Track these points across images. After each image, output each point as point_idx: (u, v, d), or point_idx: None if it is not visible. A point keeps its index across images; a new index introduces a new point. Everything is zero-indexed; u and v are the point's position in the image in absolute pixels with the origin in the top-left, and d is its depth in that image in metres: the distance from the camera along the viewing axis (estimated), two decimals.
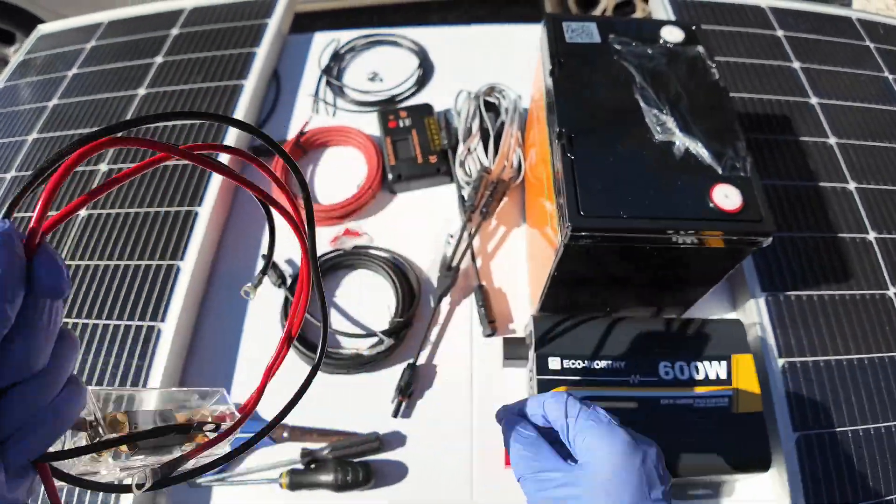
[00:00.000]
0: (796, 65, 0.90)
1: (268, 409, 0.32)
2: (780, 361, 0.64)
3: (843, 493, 0.59)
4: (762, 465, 0.59)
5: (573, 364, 0.60)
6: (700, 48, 0.64)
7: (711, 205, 0.53)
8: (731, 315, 0.71)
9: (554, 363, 0.60)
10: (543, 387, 0.59)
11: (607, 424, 0.40)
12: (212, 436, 0.34)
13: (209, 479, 0.62)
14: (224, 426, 0.35)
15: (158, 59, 0.98)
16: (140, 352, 0.69)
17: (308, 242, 0.35)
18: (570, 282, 0.60)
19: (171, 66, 0.96)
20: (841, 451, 0.61)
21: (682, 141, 0.57)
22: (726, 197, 0.53)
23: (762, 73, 0.89)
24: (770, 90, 0.86)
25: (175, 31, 1.01)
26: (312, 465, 0.61)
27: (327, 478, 0.60)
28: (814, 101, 0.86)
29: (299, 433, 0.65)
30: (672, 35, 0.65)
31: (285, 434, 0.65)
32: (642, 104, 0.59)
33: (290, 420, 0.66)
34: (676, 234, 0.52)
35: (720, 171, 0.55)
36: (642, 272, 0.60)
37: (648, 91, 0.60)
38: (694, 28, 0.66)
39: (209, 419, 0.38)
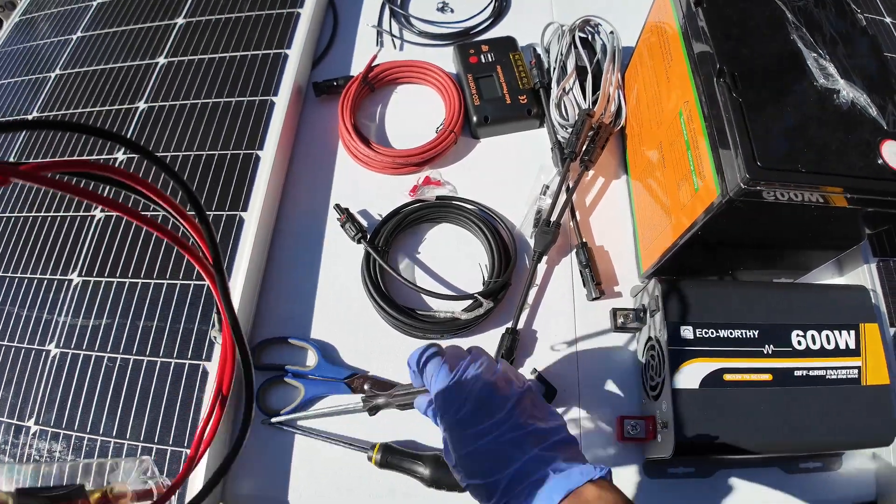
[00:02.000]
0: None
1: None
2: (893, 330, 0.61)
3: None
4: (886, 440, 0.56)
5: (706, 333, 0.56)
6: None
7: (881, 161, 0.48)
8: (839, 280, 0.67)
9: (686, 332, 0.56)
10: (675, 358, 0.54)
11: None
12: None
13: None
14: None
15: None
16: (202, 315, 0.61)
17: (219, 285, 0.32)
18: (707, 242, 0.55)
19: None
20: None
21: (846, 90, 0.51)
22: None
23: None
24: None
25: None
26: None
27: (424, 471, 0.54)
28: None
29: (381, 386, 0.59)
30: None
31: (366, 386, 0.59)
32: (801, 46, 0.53)
33: (374, 372, 0.61)
34: (849, 194, 0.47)
35: (885, 126, 0.50)
36: (787, 232, 0.56)
37: (804, 32, 0.54)
38: None
39: (127, 493, 0.37)
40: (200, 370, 0.61)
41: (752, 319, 0.57)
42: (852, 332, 0.58)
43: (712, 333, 0.56)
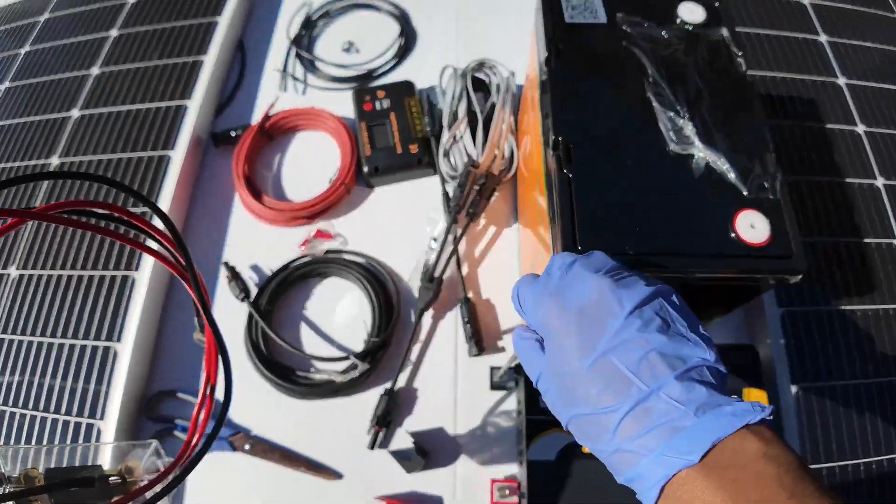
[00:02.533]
0: (823, 38, 0.79)
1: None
2: (794, 388, 0.58)
3: None
4: None
5: None
6: (724, 31, 0.54)
7: (734, 235, 0.45)
8: (741, 328, 0.64)
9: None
10: (534, 428, 0.52)
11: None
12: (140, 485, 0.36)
13: None
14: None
15: (114, 33, 0.86)
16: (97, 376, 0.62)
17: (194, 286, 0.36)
18: None
19: (128, 39, 0.84)
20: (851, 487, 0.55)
21: (701, 153, 0.48)
22: (752, 227, 0.45)
23: (783, 46, 0.77)
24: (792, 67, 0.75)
25: None
26: None
27: None
28: (841, 81, 0.75)
29: (262, 449, 0.59)
30: (692, 14, 0.54)
31: (247, 446, 0.60)
32: (655, 104, 0.49)
33: (256, 432, 0.61)
34: (693, 274, 0.44)
35: (745, 193, 0.46)
36: None
37: (663, 87, 0.50)
38: (717, 4, 0.55)
39: (138, 470, 0.40)
40: (95, 429, 0.63)
41: None
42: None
43: None
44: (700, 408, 0.26)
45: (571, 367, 0.30)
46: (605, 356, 0.29)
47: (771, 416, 0.26)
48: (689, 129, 0.48)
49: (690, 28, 0.53)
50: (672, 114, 0.49)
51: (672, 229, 0.44)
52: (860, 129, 0.72)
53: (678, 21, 0.53)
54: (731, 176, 0.47)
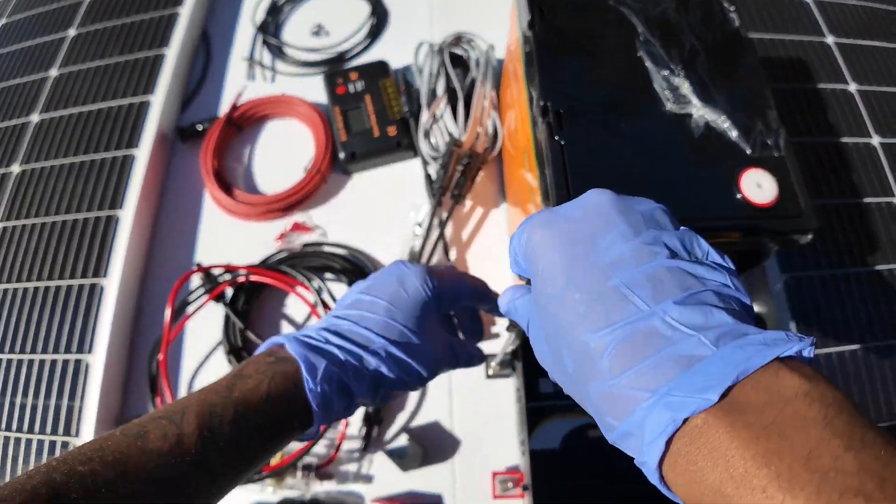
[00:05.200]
0: None
1: None
2: None
3: None
4: None
5: None
6: None
7: (740, 196, 0.41)
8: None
9: (546, 385, 0.49)
10: (534, 416, 0.48)
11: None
12: None
13: None
14: None
15: (72, 32, 0.80)
16: (70, 391, 0.57)
17: None
18: None
19: (87, 38, 0.78)
20: None
21: (700, 112, 0.44)
22: (759, 186, 0.41)
23: (768, 6, 0.73)
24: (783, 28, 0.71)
25: None
26: None
27: None
28: (830, 40, 0.71)
29: None
30: None
31: None
32: (649, 64, 0.45)
33: None
34: None
35: (749, 151, 0.42)
36: None
37: (656, 46, 0.46)
38: None
39: None
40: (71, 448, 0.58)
41: None
42: None
43: None
44: (721, 337, 0.19)
45: (555, 289, 0.23)
46: (596, 269, 0.22)
47: (812, 346, 0.19)
48: (685, 87, 0.44)
49: None
50: (667, 72, 0.45)
51: (674, 193, 0.40)
52: (852, 87, 0.68)
53: None
54: (733, 134, 0.43)
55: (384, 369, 0.34)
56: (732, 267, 0.24)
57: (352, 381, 0.33)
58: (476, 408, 0.55)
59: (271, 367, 0.31)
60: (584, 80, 0.44)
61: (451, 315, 0.45)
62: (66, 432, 0.58)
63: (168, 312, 0.55)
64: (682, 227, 0.26)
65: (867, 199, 0.61)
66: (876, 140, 0.65)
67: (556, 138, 0.41)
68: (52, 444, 0.59)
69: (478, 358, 0.41)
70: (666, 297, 0.21)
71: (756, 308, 0.59)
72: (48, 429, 0.59)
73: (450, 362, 0.39)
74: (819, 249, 0.59)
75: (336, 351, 0.33)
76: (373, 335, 0.34)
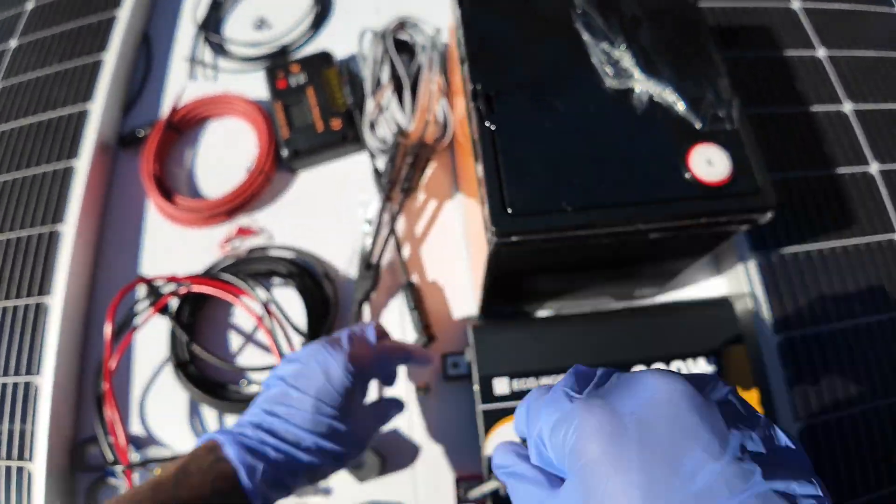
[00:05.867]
0: None
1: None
2: (778, 338, 0.51)
3: (851, 487, 0.48)
4: None
5: (526, 385, 0.46)
6: None
7: (689, 175, 0.38)
8: (717, 280, 0.57)
9: (501, 386, 0.46)
10: (491, 420, 0.45)
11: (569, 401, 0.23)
12: None
13: None
14: None
15: (13, 43, 0.76)
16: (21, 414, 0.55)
17: None
18: (514, 277, 0.46)
19: (28, 48, 0.74)
20: (850, 440, 0.49)
21: (643, 86, 0.40)
22: (709, 163, 0.38)
23: None
24: None
25: (31, 5, 0.79)
26: None
27: None
28: (796, 5, 0.68)
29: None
30: None
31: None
32: (586, 36, 0.42)
33: None
34: (643, 225, 0.37)
35: (699, 126, 0.39)
36: (602, 264, 0.45)
37: (594, 17, 0.43)
38: None
39: None
40: (26, 473, 0.55)
41: (584, 358, 0.48)
42: (712, 358, 0.49)
43: (534, 383, 0.47)
44: None
45: None
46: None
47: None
48: (627, 59, 0.41)
49: None
50: (605, 44, 0.41)
51: (616, 176, 0.37)
52: (821, 53, 0.64)
53: None
54: (680, 107, 0.39)
55: (317, 461, 0.36)
56: (807, 459, 0.21)
57: (287, 478, 0.36)
58: (436, 412, 0.52)
59: (213, 468, 0.34)
60: (516, 60, 0.40)
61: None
62: (21, 456, 0.56)
63: (108, 330, 0.52)
64: (755, 413, 0.22)
65: (840, 170, 0.58)
66: (848, 107, 0.61)
67: (487, 124, 0.38)
68: (8, 469, 0.56)
69: (396, 409, 0.44)
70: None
71: (728, 288, 0.56)
72: (2, 453, 0.56)
73: (375, 428, 0.42)
74: (791, 224, 0.55)
75: (271, 452, 0.35)
76: (303, 433, 0.36)
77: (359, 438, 0.39)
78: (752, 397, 0.48)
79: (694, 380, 0.22)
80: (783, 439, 0.21)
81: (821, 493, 0.19)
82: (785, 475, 0.19)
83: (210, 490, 0.33)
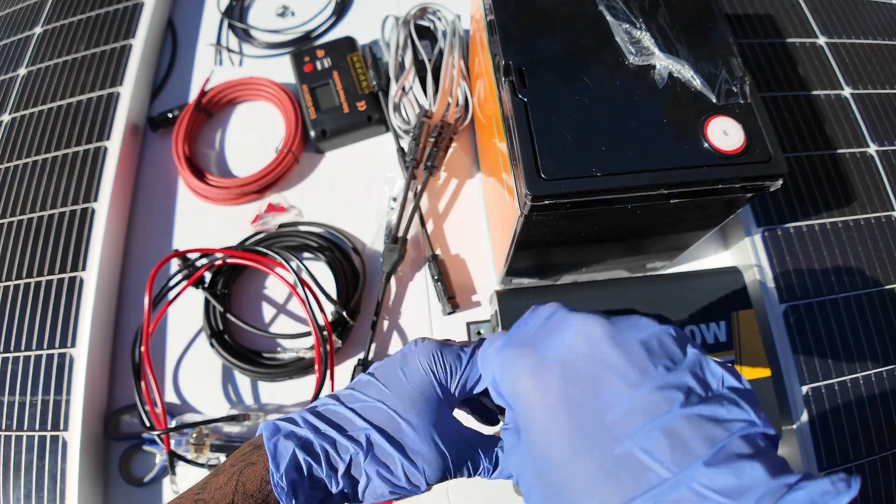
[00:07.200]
0: None
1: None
2: (783, 307, 0.54)
3: (856, 449, 0.50)
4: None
5: None
6: None
7: (706, 144, 0.40)
8: (723, 255, 0.60)
9: None
10: None
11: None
12: None
13: None
14: None
15: (38, 30, 0.78)
16: (56, 385, 0.56)
17: None
18: (538, 247, 0.48)
19: (53, 34, 0.76)
20: (853, 404, 0.52)
21: (663, 63, 0.43)
22: (725, 134, 0.40)
23: None
24: None
25: None
26: None
27: None
28: None
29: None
30: None
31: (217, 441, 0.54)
32: (609, 17, 0.44)
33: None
34: (665, 189, 0.39)
35: (714, 100, 0.42)
36: (622, 230, 0.48)
37: (616, 0, 0.45)
38: None
39: None
40: (60, 440, 0.57)
41: None
42: (722, 324, 0.51)
43: None
44: (759, 501, 0.17)
45: (558, 454, 0.20)
46: (604, 430, 0.20)
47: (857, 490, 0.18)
48: (647, 39, 0.43)
49: None
50: (627, 25, 0.44)
51: (640, 145, 0.39)
52: (822, 40, 0.67)
53: None
54: (697, 83, 0.42)
55: (362, 459, 0.27)
56: (749, 388, 0.21)
57: (324, 472, 0.27)
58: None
59: (244, 459, 0.27)
60: (545, 38, 0.43)
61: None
62: (56, 427, 0.58)
63: (147, 300, 0.54)
64: (689, 349, 0.22)
65: (841, 150, 0.61)
66: (847, 91, 0.64)
67: (520, 96, 0.40)
68: (42, 439, 0.58)
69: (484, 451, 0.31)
70: (690, 458, 0.18)
71: (735, 262, 0.59)
72: (37, 425, 0.58)
73: (464, 463, 0.29)
74: (794, 201, 0.58)
75: (310, 434, 0.28)
76: (355, 417, 0.28)
77: (431, 456, 0.28)
78: (759, 358, 0.50)
79: (622, 324, 0.23)
80: (717, 370, 0.22)
81: (754, 419, 0.20)
82: (714, 403, 0.20)
83: (234, 489, 0.26)
